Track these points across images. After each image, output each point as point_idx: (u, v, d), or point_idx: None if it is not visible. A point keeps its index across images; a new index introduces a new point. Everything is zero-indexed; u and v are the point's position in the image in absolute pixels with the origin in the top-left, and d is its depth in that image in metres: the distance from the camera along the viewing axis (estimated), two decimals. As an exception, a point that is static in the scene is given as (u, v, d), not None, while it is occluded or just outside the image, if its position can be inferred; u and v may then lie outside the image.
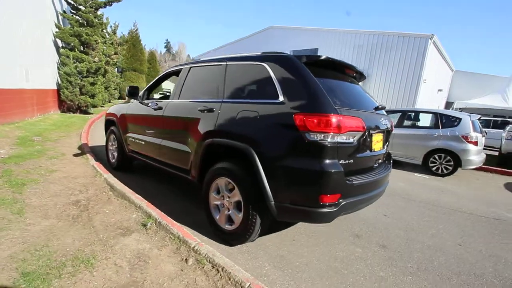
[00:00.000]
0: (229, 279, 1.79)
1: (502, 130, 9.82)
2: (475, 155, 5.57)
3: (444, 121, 5.86)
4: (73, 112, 10.56)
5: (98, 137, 6.94)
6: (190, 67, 3.13)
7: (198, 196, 3.46)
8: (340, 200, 1.97)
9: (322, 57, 2.21)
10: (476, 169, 6.67)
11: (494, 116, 15.92)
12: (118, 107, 4.37)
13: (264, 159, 2.06)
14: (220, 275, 1.84)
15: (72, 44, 10.00)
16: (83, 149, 5.26)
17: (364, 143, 2.22)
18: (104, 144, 4.71)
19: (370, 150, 2.33)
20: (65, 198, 3.03)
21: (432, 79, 17.10)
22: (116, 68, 18.93)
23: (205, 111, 2.60)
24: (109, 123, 4.55)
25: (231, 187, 2.36)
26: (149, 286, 1.73)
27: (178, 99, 3.08)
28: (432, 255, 2.53)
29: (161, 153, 3.22)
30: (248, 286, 1.70)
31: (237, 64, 2.58)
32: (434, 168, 5.96)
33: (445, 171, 5.83)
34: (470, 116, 5.72)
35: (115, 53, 16.16)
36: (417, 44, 15.36)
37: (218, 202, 2.51)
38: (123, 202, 3.01)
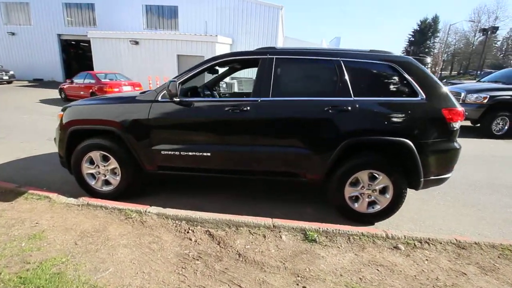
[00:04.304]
0: (440, 243, 2.33)
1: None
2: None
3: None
4: None
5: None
6: (274, 58, 2.69)
7: (291, 194, 3.36)
8: None
9: (428, 60, 2.78)
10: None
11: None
12: (106, 110, 2.88)
13: (419, 147, 2.53)
14: (435, 246, 2.33)
15: None
16: (-3, 186, 3.08)
17: None
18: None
19: None
20: (166, 264, 2.08)
21: (279, 45, 20.51)
22: None
23: (338, 111, 2.55)
24: (79, 135, 2.93)
25: (374, 177, 2.66)
26: (419, 273, 1.98)
27: (270, 97, 2.66)
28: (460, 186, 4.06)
29: (253, 161, 2.74)
30: (455, 239, 2.35)
31: (355, 62, 2.63)
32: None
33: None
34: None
35: None
36: (271, 13, 17.61)
37: (355, 193, 2.73)
38: (241, 230, 2.47)
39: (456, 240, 2.36)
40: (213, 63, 2.82)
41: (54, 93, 13.02)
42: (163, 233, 2.42)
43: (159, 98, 2.78)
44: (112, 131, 2.82)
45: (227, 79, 7.59)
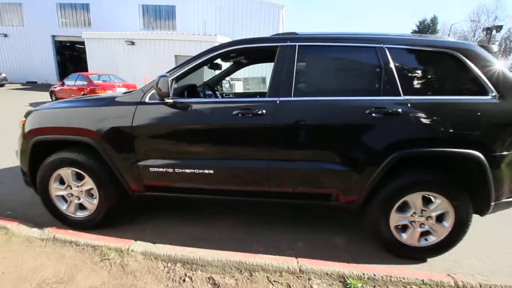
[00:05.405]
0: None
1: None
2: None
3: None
4: None
5: None
6: (297, 46, 2.06)
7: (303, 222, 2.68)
8: None
9: (495, 48, 2.14)
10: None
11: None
12: (77, 115, 2.24)
13: (491, 161, 1.90)
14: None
15: None
16: None
17: None
18: None
19: None
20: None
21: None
22: None
23: (383, 114, 1.92)
24: (46, 146, 2.29)
25: (429, 200, 2.04)
26: None
27: (292, 96, 2.03)
28: None
29: (270, 180, 2.11)
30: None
31: (404, 50, 2.01)
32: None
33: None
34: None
35: None
36: (272, 12, 17.08)
37: (404, 221, 2.10)
38: (257, 277, 1.82)
39: (552, 290, 1.73)
40: (214, 54, 2.18)
41: (46, 96, 12.38)
42: (150, 283, 1.77)
43: (147, 99, 2.15)
44: (85, 142, 2.18)
45: (229, 78, 6.95)
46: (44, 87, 17.60)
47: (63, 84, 10.74)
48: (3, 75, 17.21)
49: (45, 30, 19.52)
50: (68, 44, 21.59)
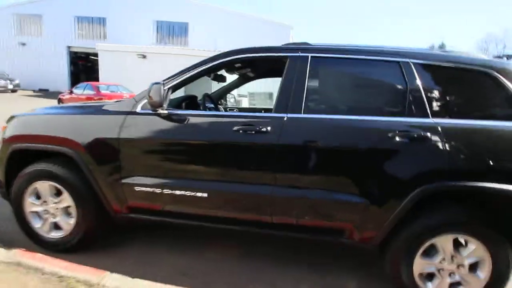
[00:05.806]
0: None
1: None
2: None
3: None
4: None
5: None
6: (310, 58, 1.83)
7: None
8: None
9: None
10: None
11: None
12: (59, 123, 2.05)
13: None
14: None
15: None
16: None
17: None
18: None
19: None
20: None
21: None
22: None
23: (409, 138, 1.64)
24: (25, 156, 2.06)
25: (460, 243, 1.70)
26: None
27: (302, 113, 1.77)
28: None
29: (273, 209, 1.81)
30: None
31: (432, 66, 1.76)
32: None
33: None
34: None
35: None
36: (282, 32, 17.38)
37: (431, 268, 1.75)
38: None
39: None
40: (217, 62, 1.97)
41: (55, 103, 12.49)
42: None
43: (138, 109, 1.92)
44: (65, 153, 1.94)
45: (235, 93, 6.77)
46: (55, 95, 17.88)
47: (71, 93, 10.81)
48: (17, 81, 17.61)
49: (62, 40, 20.17)
50: (83, 55, 22.22)
